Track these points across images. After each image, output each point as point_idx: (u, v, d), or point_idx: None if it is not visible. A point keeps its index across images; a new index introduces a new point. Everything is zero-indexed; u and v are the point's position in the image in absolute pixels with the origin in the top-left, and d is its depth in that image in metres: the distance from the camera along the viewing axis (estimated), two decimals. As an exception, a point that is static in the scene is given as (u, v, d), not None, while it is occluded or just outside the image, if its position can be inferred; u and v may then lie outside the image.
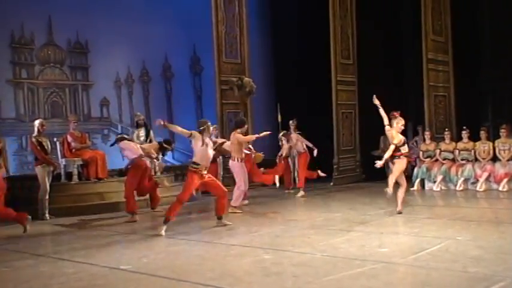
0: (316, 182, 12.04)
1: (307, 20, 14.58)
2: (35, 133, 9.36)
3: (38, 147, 9.25)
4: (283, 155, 11.70)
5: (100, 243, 6.90)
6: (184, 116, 15.19)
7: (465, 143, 11.29)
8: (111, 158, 10.76)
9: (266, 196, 11.34)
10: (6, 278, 5.19)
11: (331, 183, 12.92)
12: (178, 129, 7.16)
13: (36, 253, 6.37)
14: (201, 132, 7.21)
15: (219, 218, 7.64)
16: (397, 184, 7.90)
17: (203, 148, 7.17)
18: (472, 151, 11.14)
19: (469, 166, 11.04)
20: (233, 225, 7.63)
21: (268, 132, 9.58)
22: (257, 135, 9.40)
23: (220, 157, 11.65)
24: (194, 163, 7.20)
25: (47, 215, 9.18)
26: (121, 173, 10.89)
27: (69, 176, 10.32)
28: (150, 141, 10.70)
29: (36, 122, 9.51)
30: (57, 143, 10.35)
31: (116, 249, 6.48)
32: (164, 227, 7.08)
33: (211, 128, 7.79)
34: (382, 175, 13.61)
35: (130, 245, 6.73)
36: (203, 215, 9.28)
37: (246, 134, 9.65)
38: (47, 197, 9.30)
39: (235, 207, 8.98)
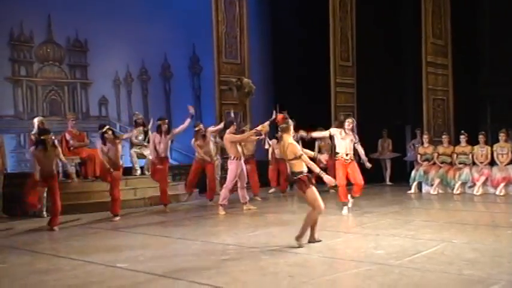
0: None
1: (308, 22, 14.59)
2: (35, 130, 9.35)
3: (37, 145, 9.21)
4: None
5: (97, 241, 6.92)
6: (183, 116, 15.13)
7: (463, 146, 11.31)
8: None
9: (262, 197, 11.34)
10: (3, 274, 5.21)
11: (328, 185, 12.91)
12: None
13: (32, 250, 6.38)
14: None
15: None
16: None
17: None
18: (470, 155, 11.15)
19: (466, 170, 11.07)
20: (230, 225, 7.61)
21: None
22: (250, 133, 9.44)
23: (219, 158, 11.68)
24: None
25: (44, 213, 9.19)
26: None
27: (67, 174, 10.31)
28: (148, 141, 10.68)
29: (36, 120, 9.50)
30: (56, 141, 10.32)
31: (113, 247, 6.47)
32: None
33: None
34: (379, 177, 13.70)
35: (127, 243, 6.73)
36: (200, 214, 9.30)
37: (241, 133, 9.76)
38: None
39: (223, 205, 9.02)
